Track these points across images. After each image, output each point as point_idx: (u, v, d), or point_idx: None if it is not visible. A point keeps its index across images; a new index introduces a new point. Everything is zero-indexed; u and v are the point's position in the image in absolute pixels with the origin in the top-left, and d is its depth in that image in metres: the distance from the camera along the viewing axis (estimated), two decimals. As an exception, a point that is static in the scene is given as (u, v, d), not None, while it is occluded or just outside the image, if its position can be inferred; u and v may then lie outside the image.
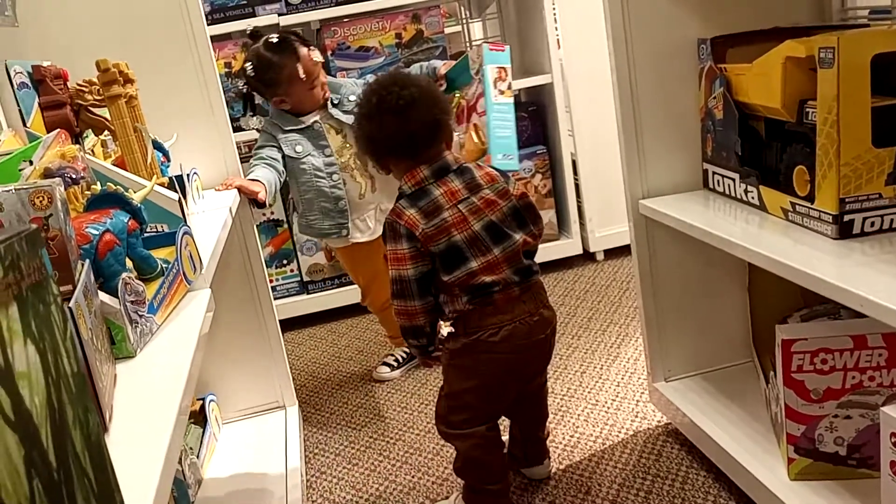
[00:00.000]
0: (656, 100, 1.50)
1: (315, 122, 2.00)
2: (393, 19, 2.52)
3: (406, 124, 1.32)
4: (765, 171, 1.33)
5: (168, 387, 0.71)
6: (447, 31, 3.46)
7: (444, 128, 1.37)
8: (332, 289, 2.62)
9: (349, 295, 2.62)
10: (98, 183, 0.85)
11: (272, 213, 2.55)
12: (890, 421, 0.98)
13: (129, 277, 0.76)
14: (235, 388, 1.81)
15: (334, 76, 2.51)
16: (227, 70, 2.41)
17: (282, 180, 1.95)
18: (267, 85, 1.94)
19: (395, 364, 2.16)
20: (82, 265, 0.68)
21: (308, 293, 2.61)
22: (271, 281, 2.58)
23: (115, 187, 0.82)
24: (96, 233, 0.75)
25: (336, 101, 2.02)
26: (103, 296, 0.72)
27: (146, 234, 0.94)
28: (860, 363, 1.18)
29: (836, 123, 1.09)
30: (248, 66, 1.93)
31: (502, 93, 1.78)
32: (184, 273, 0.90)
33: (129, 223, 0.82)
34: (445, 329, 1.43)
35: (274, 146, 1.98)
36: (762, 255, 1.14)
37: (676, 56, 1.48)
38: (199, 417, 1.70)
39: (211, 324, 1.69)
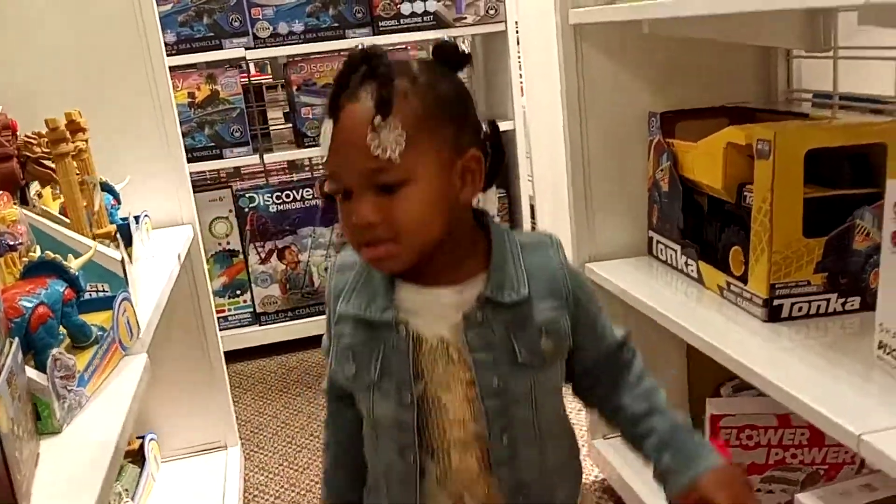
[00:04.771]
0: (607, 167, 1.54)
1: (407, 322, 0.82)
2: (360, 58, 2.54)
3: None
4: (705, 246, 1.37)
5: (91, 465, 0.72)
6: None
7: None
8: (286, 321, 2.61)
9: (302, 328, 2.61)
10: (38, 247, 0.85)
11: (228, 242, 2.55)
12: (805, 506, 1.02)
13: (60, 353, 0.76)
14: (177, 425, 1.79)
15: (299, 112, 2.52)
16: (189, 100, 2.41)
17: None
18: None
19: None
20: (10, 344, 0.68)
21: (260, 325, 2.60)
22: (223, 311, 2.56)
23: (53, 255, 0.82)
24: (30, 305, 0.75)
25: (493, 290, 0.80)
26: (31, 372, 0.72)
27: (85, 295, 0.94)
28: (783, 441, 1.22)
29: (769, 213, 1.13)
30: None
31: None
32: (119, 340, 0.90)
33: (66, 292, 0.82)
34: None
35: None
36: (694, 334, 1.18)
37: (628, 126, 1.53)
38: (137, 457, 1.68)
39: (155, 360, 1.67)
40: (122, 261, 1.00)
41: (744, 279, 1.22)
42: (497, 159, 0.83)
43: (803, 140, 1.12)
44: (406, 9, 2.49)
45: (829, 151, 1.16)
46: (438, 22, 2.53)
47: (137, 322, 0.97)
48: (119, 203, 1.40)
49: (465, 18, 2.55)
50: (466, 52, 0.84)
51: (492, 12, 2.56)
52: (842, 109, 1.45)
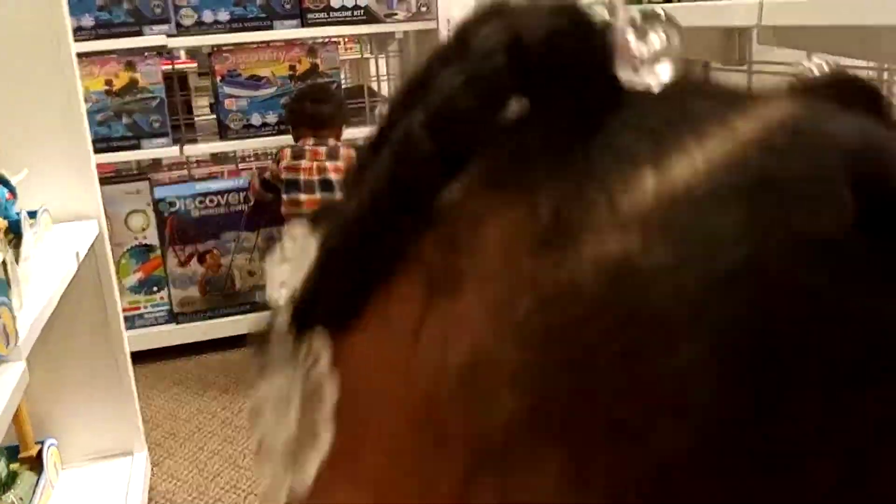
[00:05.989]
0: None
1: None
2: (288, 50, 2.48)
3: None
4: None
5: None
6: (350, 57, 3.44)
7: None
8: (205, 320, 2.53)
9: (222, 327, 2.53)
10: None
11: (145, 237, 2.45)
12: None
13: (-87, 365, 0.70)
14: (80, 430, 1.71)
15: (222, 103, 2.44)
16: (107, 88, 2.30)
17: None
18: None
19: None
20: None
21: (178, 323, 2.51)
22: (138, 308, 2.47)
23: (-87, 258, 0.75)
24: None
25: None
26: None
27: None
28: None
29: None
30: None
31: None
32: (-9, 348, 0.84)
33: (-73, 298, 0.75)
34: None
35: None
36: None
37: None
38: (35, 463, 1.59)
39: (57, 362, 1.58)
40: (3, 262, 0.93)
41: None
42: None
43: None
44: (336, 2, 2.44)
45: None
46: (369, 17, 2.48)
47: (16, 328, 0.91)
48: (15, 196, 1.31)
49: (396, 14, 2.51)
50: None
51: (423, 9, 2.52)
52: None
